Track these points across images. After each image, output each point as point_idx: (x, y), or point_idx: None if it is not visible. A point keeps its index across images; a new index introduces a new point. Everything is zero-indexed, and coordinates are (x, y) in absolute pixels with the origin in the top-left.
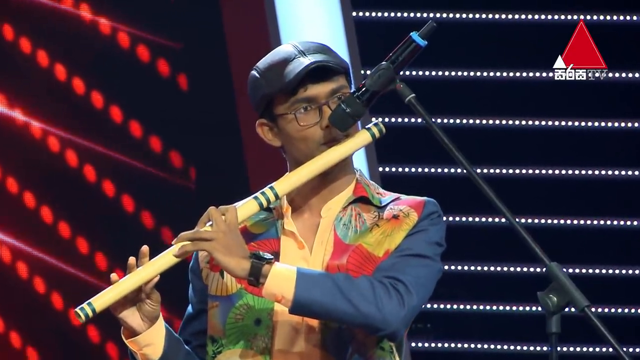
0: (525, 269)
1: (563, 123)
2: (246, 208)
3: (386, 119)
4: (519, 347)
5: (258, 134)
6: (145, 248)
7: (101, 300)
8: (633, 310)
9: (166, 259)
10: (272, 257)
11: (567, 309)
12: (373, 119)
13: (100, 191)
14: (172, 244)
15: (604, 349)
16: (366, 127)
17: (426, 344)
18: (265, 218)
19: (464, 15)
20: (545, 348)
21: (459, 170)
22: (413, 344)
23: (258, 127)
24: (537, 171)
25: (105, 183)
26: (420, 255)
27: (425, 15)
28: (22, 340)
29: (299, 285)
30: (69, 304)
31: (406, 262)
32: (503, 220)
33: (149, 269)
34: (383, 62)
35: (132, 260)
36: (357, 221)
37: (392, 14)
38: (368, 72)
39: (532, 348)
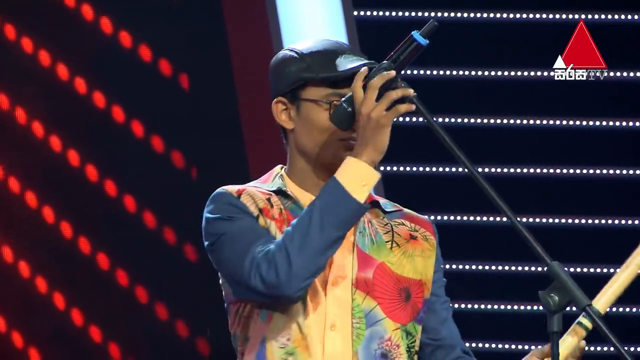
0: (526, 268)
1: (564, 122)
2: (569, 342)
3: None
4: (520, 347)
5: (273, 111)
6: None
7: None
8: (635, 310)
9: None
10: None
11: (568, 308)
12: None
13: (102, 191)
14: None
15: (605, 348)
16: None
17: None
18: (283, 202)
19: (465, 15)
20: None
21: (460, 170)
22: None
23: (275, 104)
24: (537, 170)
25: (107, 183)
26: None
27: (426, 14)
28: (24, 341)
29: None
30: (71, 304)
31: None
32: (504, 219)
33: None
34: (384, 61)
35: None
36: (370, 229)
37: (394, 13)
38: None
39: (533, 347)
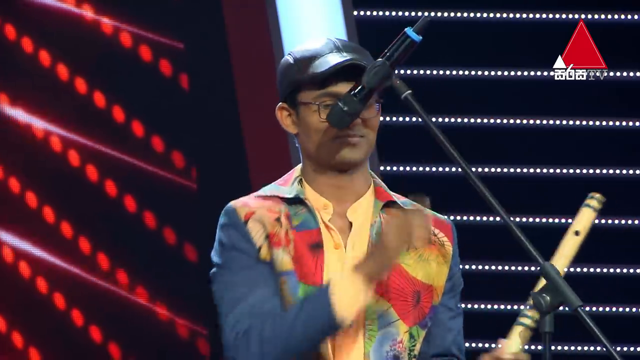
0: (526, 268)
1: (564, 122)
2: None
3: (387, 118)
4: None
5: (277, 117)
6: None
7: None
8: (628, 309)
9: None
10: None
11: (561, 308)
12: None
13: (102, 191)
14: None
15: (599, 348)
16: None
17: None
18: (297, 210)
19: (465, 15)
20: (539, 347)
21: (460, 170)
22: None
23: (278, 110)
24: (537, 170)
25: (107, 183)
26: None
27: (426, 14)
28: (24, 340)
29: None
30: (71, 304)
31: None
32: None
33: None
34: (378, 59)
35: None
36: None
37: (393, 13)
38: None
39: (532, 347)
